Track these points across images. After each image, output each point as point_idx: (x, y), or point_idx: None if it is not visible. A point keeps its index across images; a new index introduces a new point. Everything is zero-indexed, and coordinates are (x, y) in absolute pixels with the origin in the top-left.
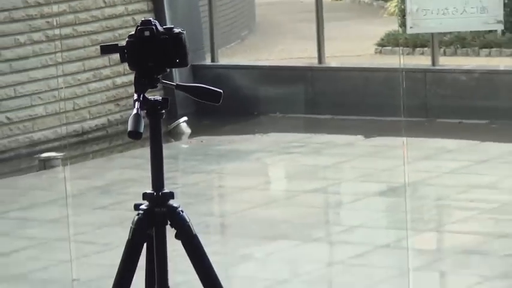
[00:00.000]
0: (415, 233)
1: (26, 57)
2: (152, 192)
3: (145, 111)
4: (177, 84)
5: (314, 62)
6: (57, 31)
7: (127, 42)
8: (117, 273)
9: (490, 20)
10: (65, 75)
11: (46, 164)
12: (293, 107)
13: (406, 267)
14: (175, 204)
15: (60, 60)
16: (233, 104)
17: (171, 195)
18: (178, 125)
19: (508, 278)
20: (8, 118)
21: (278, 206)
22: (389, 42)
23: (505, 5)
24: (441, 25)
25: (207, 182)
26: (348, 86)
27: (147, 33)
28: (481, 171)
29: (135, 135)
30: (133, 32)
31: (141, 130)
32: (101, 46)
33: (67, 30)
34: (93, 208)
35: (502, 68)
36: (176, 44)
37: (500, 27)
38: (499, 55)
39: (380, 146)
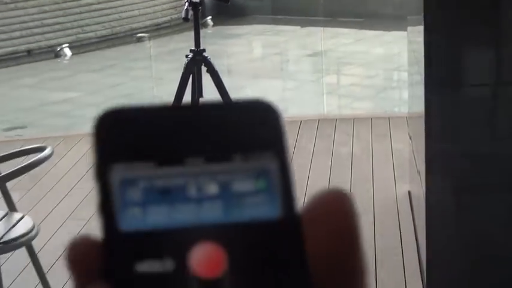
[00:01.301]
0: (327, 74)
1: None
2: (195, 48)
3: (191, 7)
4: None
5: None
6: None
7: None
8: (177, 89)
9: None
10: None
11: (139, 39)
12: (265, 12)
13: (322, 92)
14: (206, 55)
15: None
16: (234, 10)
17: (204, 50)
18: (206, 20)
19: (368, 100)
20: (120, 16)
21: (257, 61)
22: None
23: None
24: None
25: (221, 49)
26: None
27: None
28: (359, 45)
29: (186, 19)
30: None
31: (189, 17)
32: None
33: None
34: (165, 61)
35: None
36: None
37: None
38: None
39: (310, 31)
